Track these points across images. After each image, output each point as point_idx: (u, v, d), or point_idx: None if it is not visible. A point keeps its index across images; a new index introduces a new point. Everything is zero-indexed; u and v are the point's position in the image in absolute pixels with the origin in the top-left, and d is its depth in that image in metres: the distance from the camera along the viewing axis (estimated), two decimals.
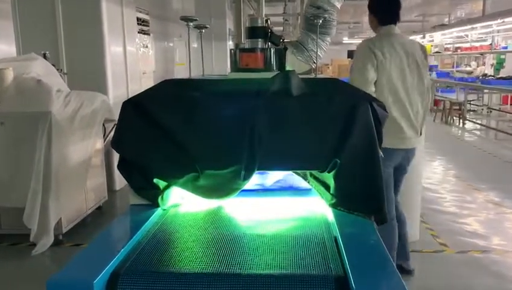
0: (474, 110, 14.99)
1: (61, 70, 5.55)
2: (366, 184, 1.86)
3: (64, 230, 4.44)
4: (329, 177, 1.95)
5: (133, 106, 1.95)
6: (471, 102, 14.67)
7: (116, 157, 5.62)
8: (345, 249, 1.53)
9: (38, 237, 4.15)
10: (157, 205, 2.01)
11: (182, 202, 2.13)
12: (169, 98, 1.96)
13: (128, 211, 1.99)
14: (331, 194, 1.96)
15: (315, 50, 3.00)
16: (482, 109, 14.77)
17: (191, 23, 2.59)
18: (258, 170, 1.93)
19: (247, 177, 1.93)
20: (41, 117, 4.10)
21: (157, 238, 1.75)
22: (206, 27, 2.76)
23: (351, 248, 1.55)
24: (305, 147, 1.90)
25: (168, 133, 1.90)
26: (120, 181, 6.12)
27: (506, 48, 13.94)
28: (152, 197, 2.01)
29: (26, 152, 4.11)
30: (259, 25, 2.53)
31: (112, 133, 5.32)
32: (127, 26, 6.40)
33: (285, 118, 1.91)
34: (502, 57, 15.82)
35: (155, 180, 1.98)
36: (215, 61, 16.56)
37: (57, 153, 4.16)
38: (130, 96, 5.81)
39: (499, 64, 15.93)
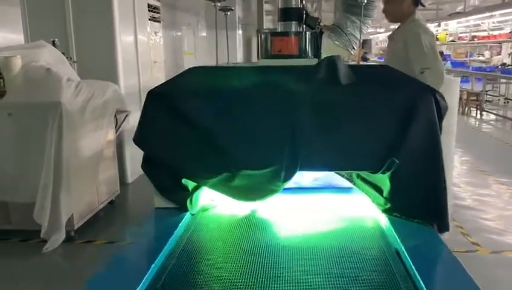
0: (490, 101, 14.62)
1: (70, 58, 5.32)
2: (429, 187, 1.62)
3: (76, 226, 4.24)
4: (382, 179, 1.71)
5: (159, 98, 1.72)
6: (488, 92, 14.30)
7: (128, 149, 5.42)
8: (415, 267, 1.29)
9: (49, 233, 3.96)
10: (186, 209, 1.78)
11: (211, 204, 1.89)
12: (199, 89, 1.72)
13: (153, 216, 1.76)
14: (384, 198, 1.72)
15: (354, 34, 2.74)
16: (499, 100, 14.39)
17: (218, 3, 2.33)
18: (300, 170, 1.69)
19: (287, 178, 1.70)
20: (52, 108, 3.88)
21: (190, 250, 1.53)
22: (231, 9, 2.51)
23: (422, 265, 1.30)
24: (357, 145, 1.66)
25: (199, 129, 1.67)
26: (132, 174, 5.92)
27: None
28: (180, 200, 1.78)
29: (36, 144, 3.90)
30: (293, 5, 2.27)
31: (124, 124, 5.12)
32: (138, 13, 6.15)
33: (333, 111, 1.66)
34: None
35: (184, 181, 1.75)
36: (225, 51, 16.30)
37: (68, 146, 3.94)
38: (142, 86, 5.52)
39: None
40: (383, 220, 1.71)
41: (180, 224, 1.67)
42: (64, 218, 3.98)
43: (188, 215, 1.79)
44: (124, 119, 5.17)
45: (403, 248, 1.44)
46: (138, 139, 1.77)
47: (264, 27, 3.61)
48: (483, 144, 9.13)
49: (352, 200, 1.95)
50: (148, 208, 4.87)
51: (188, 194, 1.79)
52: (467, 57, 19.17)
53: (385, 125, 1.64)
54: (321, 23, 2.40)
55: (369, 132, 1.66)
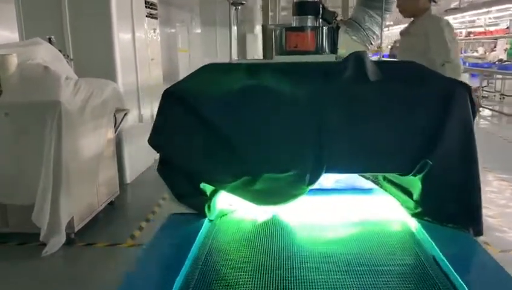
0: (485, 97, 14.64)
1: (67, 56, 5.18)
2: (464, 190, 1.53)
3: (77, 228, 4.12)
4: (412, 182, 1.63)
5: (176, 97, 1.62)
6: (483, 88, 14.31)
7: (127, 148, 5.28)
8: (459, 275, 1.20)
9: (48, 236, 3.85)
10: (204, 215, 1.68)
11: (229, 209, 1.79)
12: (218, 88, 1.61)
13: (170, 222, 1.66)
14: (414, 201, 1.63)
15: (373, 28, 2.66)
16: (494, 95, 14.41)
17: None
18: (326, 173, 1.60)
19: (312, 181, 1.60)
20: (50, 107, 3.76)
21: (214, 257, 1.44)
22: (242, 3, 2.40)
23: (465, 273, 1.21)
24: (387, 145, 1.57)
25: (219, 130, 1.57)
26: (131, 174, 5.80)
27: None
28: (198, 205, 1.69)
29: (34, 145, 3.77)
30: None
31: (122, 123, 4.99)
32: (135, 9, 6.02)
33: (362, 110, 1.57)
34: None
35: (202, 185, 1.65)
36: (219, 48, 16.16)
37: (67, 146, 3.82)
38: (140, 84, 5.37)
39: None
40: (413, 224, 1.63)
41: (200, 231, 1.58)
42: (64, 221, 3.86)
43: (206, 222, 1.69)
44: (122, 118, 5.05)
45: (441, 254, 1.35)
46: (154, 141, 1.66)
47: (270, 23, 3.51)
48: (482, 140, 9.09)
49: (376, 202, 1.86)
50: (149, 210, 4.82)
51: (206, 199, 1.69)
52: (461, 53, 19.18)
53: (418, 124, 1.55)
54: (337, 18, 2.31)
55: (401, 132, 1.57)
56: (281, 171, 1.59)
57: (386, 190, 1.82)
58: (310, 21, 2.19)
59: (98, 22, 5.44)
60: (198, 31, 17.43)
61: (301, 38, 2.12)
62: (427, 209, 1.61)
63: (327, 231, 1.67)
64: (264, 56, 3.69)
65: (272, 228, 1.71)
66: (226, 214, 1.78)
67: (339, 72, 1.60)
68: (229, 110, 1.58)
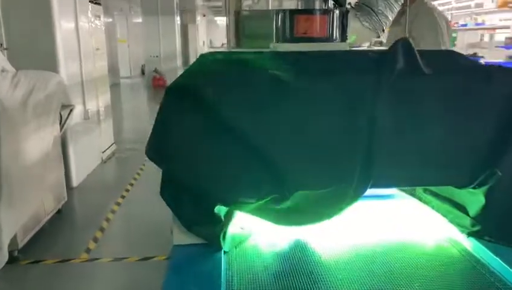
0: None
1: (0, 45, 4.52)
2: None
3: (21, 244, 3.56)
4: (466, 195, 1.36)
5: (183, 95, 1.23)
6: None
7: (72, 148, 4.71)
8: None
9: None
10: (219, 247, 1.32)
11: (243, 233, 1.44)
12: (238, 84, 1.25)
13: (178, 258, 1.29)
14: (472, 218, 1.36)
15: (386, 13, 2.38)
16: None
17: None
18: (372, 187, 1.30)
19: (355, 198, 1.29)
20: None
21: None
22: None
23: None
24: (446, 153, 1.28)
25: (240, 137, 1.21)
26: (78, 176, 5.24)
27: (465, 25, 13.84)
28: (212, 234, 1.32)
29: None
30: None
31: (68, 120, 4.43)
32: None
33: (417, 110, 1.27)
34: (454, 35, 15.86)
35: (217, 209, 1.29)
36: (163, 39, 15.45)
37: (7, 149, 3.25)
38: (84, 76, 4.74)
39: (451, 43, 16.09)
40: (467, 244, 1.37)
41: (222, 268, 1.22)
42: (6, 238, 3.30)
43: (221, 255, 1.32)
44: (68, 115, 4.49)
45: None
46: (154, 153, 1.27)
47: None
48: None
49: (407, 211, 1.58)
50: (102, 217, 4.30)
51: (222, 226, 1.33)
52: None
53: (482, 127, 1.28)
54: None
55: (462, 136, 1.29)
56: (321, 187, 1.27)
57: (428, 204, 1.55)
58: (318, 3, 1.87)
59: (35, 5, 4.80)
60: (139, 20, 16.54)
61: (311, 23, 1.80)
62: (489, 227, 1.35)
63: (361, 248, 1.38)
64: (238, 44, 3.31)
65: (299, 252, 1.40)
66: (241, 241, 1.43)
67: (390, 65, 1.29)
68: (255, 112, 1.22)
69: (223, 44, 26.42)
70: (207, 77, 1.26)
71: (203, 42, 25.18)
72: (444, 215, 1.50)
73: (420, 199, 1.57)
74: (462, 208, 1.42)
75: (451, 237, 1.48)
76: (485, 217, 1.34)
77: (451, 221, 1.48)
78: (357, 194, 1.30)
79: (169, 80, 16.13)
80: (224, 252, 1.34)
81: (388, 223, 1.57)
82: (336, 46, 1.84)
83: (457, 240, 1.46)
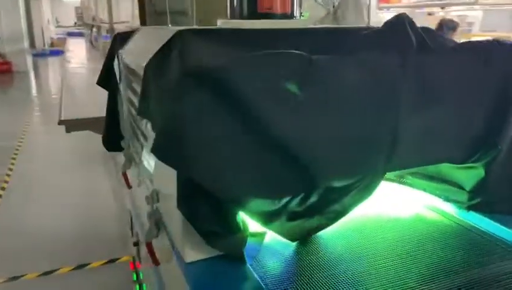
0: None
1: None
2: None
3: None
4: (458, 172, 1.39)
5: (207, 83, 1.00)
6: None
7: None
8: None
9: None
10: (241, 259, 1.14)
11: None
12: (266, 67, 1.05)
13: (199, 276, 1.07)
14: (468, 193, 1.40)
15: None
16: None
17: None
18: (392, 170, 1.25)
19: (376, 186, 1.23)
20: None
21: None
22: None
23: None
24: (450, 130, 1.29)
25: (268, 131, 1.04)
26: None
27: None
28: (234, 246, 1.13)
29: None
30: None
31: None
32: None
33: (433, 87, 1.24)
34: None
35: (242, 214, 1.10)
36: (4, 17, 13.54)
37: None
38: None
39: None
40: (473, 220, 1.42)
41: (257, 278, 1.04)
42: None
43: (248, 269, 1.13)
44: None
45: None
46: (169, 154, 1.00)
47: None
48: None
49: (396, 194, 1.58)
50: None
51: (244, 236, 1.13)
52: None
53: (484, 103, 1.30)
54: None
55: (469, 112, 1.29)
56: (350, 177, 1.16)
57: (416, 187, 1.55)
58: None
59: None
60: None
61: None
62: (488, 200, 1.39)
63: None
64: (143, 22, 2.98)
65: (319, 244, 1.28)
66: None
67: (408, 41, 1.21)
68: (286, 100, 1.04)
69: (75, 23, 24.24)
70: (231, 61, 1.03)
71: (48, 20, 22.78)
72: (438, 196, 1.52)
73: (411, 185, 1.57)
74: (457, 185, 1.44)
75: (448, 213, 1.50)
76: (485, 190, 1.38)
77: (447, 199, 1.49)
78: (378, 181, 1.23)
79: (16, 64, 14.28)
80: (250, 265, 1.15)
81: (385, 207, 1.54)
82: (299, 23, 1.72)
83: (453, 214, 1.49)
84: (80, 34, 16.60)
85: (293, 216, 1.21)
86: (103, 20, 8.85)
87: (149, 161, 1.49)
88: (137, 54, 1.75)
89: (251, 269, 1.13)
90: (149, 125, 1.42)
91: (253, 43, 1.23)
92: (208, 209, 1.07)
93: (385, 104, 1.17)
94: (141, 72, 1.67)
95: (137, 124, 1.77)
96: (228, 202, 1.07)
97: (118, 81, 2.10)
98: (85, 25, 15.86)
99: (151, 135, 1.40)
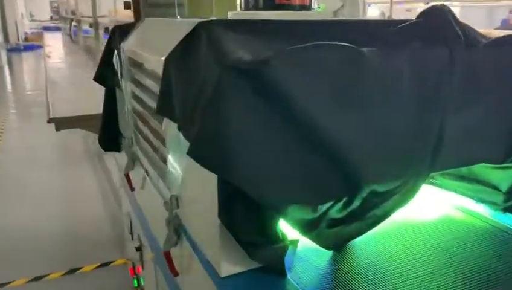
0: None
1: None
2: None
3: None
4: (497, 172, 1.33)
5: (246, 79, 0.90)
6: None
7: None
8: None
9: None
10: (282, 271, 1.05)
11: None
12: (314, 62, 0.95)
13: None
14: (505, 193, 1.34)
15: None
16: None
17: None
18: (435, 171, 1.18)
19: (417, 189, 1.16)
20: None
21: None
22: None
23: None
24: (500, 127, 1.22)
25: (316, 129, 0.95)
26: None
27: None
28: (274, 256, 1.03)
29: None
30: None
31: None
32: None
33: (477, 84, 1.16)
34: None
35: (278, 227, 1.01)
36: None
37: None
38: None
39: None
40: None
41: None
42: None
43: (287, 279, 1.04)
44: None
45: None
46: (211, 155, 0.89)
47: None
48: None
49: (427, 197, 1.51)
50: None
51: (286, 246, 1.04)
52: None
53: None
54: None
55: (506, 111, 1.23)
56: (396, 177, 1.08)
57: (447, 189, 1.47)
58: None
59: None
60: None
61: None
62: None
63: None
64: (137, 15, 2.84)
65: (357, 250, 1.20)
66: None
67: (455, 36, 1.13)
68: (337, 99, 0.95)
69: (51, 17, 23.55)
70: (277, 54, 0.92)
71: (22, 15, 22.12)
72: (471, 197, 1.45)
73: (440, 186, 1.49)
74: (492, 186, 1.38)
75: (480, 214, 1.44)
76: None
77: (481, 201, 1.43)
78: (421, 183, 1.15)
79: None
80: (292, 280, 1.06)
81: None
82: (317, 15, 1.64)
83: (487, 216, 1.42)
84: (57, 29, 16.16)
85: (332, 223, 1.12)
86: (83, 14, 8.58)
87: (167, 164, 1.37)
88: (144, 47, 1.63)
89: (292, 281, 1.03)
90: (167, 124, 1.31)
91: (286, 35, 1.14)
92: (249, 217, 0.97)
93: (433, 102, 1.09)
94: (151, 66, 1.56)
95: (147, 122, 1.65)
96: (271, 209, 0.97)
97: (119, 77, 1.97)
98: (62, 19, 15.40)
99: (171, 134, 1.29)
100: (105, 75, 2.16)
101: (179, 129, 1.10)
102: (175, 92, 1.16)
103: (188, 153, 0.93)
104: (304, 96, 0.93)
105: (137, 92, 1.74)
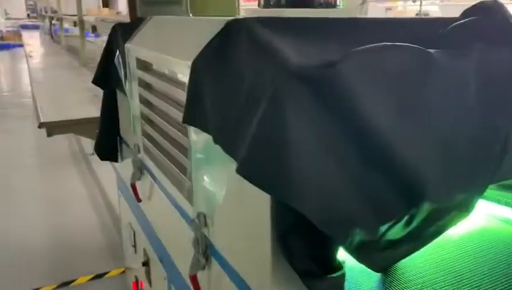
0: None
1: None
2: None
3: None
4: None
5: (308, 86, 0.78)
6: None
7: None
8: None
9: None
10: None
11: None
12: (380, 63, 0.83)
13: None
14: None
15: None
16: None
17: None
18: (493, 183, 1.08)
19: (475, 202, 1.06)
20: None
21: None
22: None
23: None
24: None
25: (386, 142, 0.83)
26: None
27: None
28: (333, 287, 0.91)
29: None
30: None
31: None
32: None
33: None
34: None
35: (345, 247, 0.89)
36: None
37: None
38: None
39: None
40: None
41: None
42: None
43: None
44: None
45: None
46: (267, 174, 0.77)
47: None
48: None
49: None
50: None
51: (344, 274, 0.92)
52: None
53: None
54: None
55: None
56: (459, 193, 0.97)
57: (484, 198, 1.38)
58: None
59: None
60: None
61: None
62: None
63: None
64: (133, 12, 2.68)
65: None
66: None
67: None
68: (401, 103, 0.84)
69: (29, 15, 22.90)
70: (345, 58, 0.80)
71: None
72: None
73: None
74: None
75: None
76: None
77: None
78: (479, 196, 1.05)
79: None
80: None
81: None
82: (343, 12, 1.53)
83: None
84: (35, 27, 15.68)
85: (387, 244, 1.01)
86: (65, 12, 8.29)
87: (188, 176, 1.24)
88: (158, 48, 1.49)
89: None
90: (193, 134, 1.18)
91: (332, 35, 1.02)
92: (308, 244, 0.85)
93: (499, 107, 0.98)
94: (170, 69, 1.42)
95: (161, 129, 1.52)
96: (335, 236, 0.85)
97: (123, 79, 1.82)
98: (41, 17, 14.96)
99: (197, 145, 1.16)
100: (106, 77, 2.01)
101: (216, 142, 0.97)
102: (208, 100, 1.03)
103: (237, 171, 0.80)
104: (373, 106, 0.81)
105: (148, 96, 1.61)
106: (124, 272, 2.93)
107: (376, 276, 1.11)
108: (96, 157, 2.26)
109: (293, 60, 0.80)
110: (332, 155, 0.80)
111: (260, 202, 0.86)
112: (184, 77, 1.23)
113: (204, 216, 1.17)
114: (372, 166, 0.85)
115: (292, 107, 0.77)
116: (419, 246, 1.09)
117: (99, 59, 2.04)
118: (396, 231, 0.99)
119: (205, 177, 1.14)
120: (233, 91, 0.92)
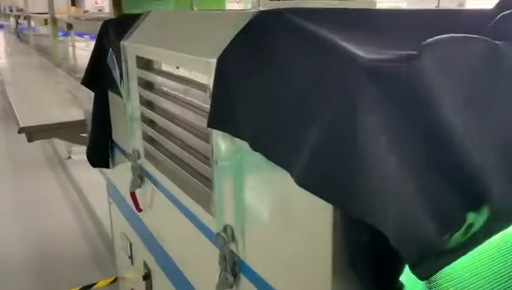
0: None
1: None
2: None
3: None
4: None
5: (379, 84, 0.68)
6: None
7: None
8: None
9: None
10: None
11: None
12: (454, 55, 0.75)
13: None
14: None
15: None
16: None
17: None
18: None
19: None
20: None
21: None
22: None
23: None
24: None
25: (458, 140, 0.75)
26: None
27: None
28: None
29: None
30: None
31: None
32: None
33: None
34: None
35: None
36: None
37: None
38: None
39: None
40: None
41: None
42: None
43: None
44: None
45: None
46: (336, 184, 0.67)
47: None
48: None
49: None
50: None
51: None
52: None
53: None
54: None
55: None
56: None
57: None
58: None
59: None
60: None
61: None
62: None
63: None
64: (118, 11, 2.54)
65: None
66: None
67: None
68: (471, 98, 0.75)
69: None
70: (420, 51, 0.70)
71: None
72: None
73: None
74: None
75: None
76: None
77: None
78: None
79: None
80: None
81: None
82: (364, 3, 1.44)
83: None
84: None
85: (441, 252, 0.92)
86: (32, 10, 7.95)
87: (209, 185, 1.13)
88: (163, 44, 1.37)
89: None
90: (217, 140, 1.07)
91: (370, 26, 0.94)
92: (374, 265, 0.76)
93: None
94: (187, 68, 1.30)
95: (169, 133, 1.40)
96: (410, 255, 0.76)
97: (118, 79, 1.69)
98: (5, 16, 14.38)
99: (223, 152, 1.05)
100: (97, 78, 1.87)
101: (254, 148, 0.87)
102: (240, 101, 0.92)
103: (297, 181, 0.70)
104: (453, 107, 0.72)
105: (150, 96, 1.48)
106: (113, 282, 2.79)
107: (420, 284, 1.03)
108: (72, 162, 2.12)
109: (362, 53, 0.70)
110: (412, 163, 0.71)
111: (316, 216, 0.76)
112: (202, 75, 1.12)
113: (232, 229, 1.06)
114: (445, 175, 0.76)
115: (367, 106, 0.67)
116: (465, 251, 1.02)
117: (72, 59, 1.90)
118: (454, 239, 0.91)
119: (233, 187, 1.03)
120: (276, 90, 0.82)
